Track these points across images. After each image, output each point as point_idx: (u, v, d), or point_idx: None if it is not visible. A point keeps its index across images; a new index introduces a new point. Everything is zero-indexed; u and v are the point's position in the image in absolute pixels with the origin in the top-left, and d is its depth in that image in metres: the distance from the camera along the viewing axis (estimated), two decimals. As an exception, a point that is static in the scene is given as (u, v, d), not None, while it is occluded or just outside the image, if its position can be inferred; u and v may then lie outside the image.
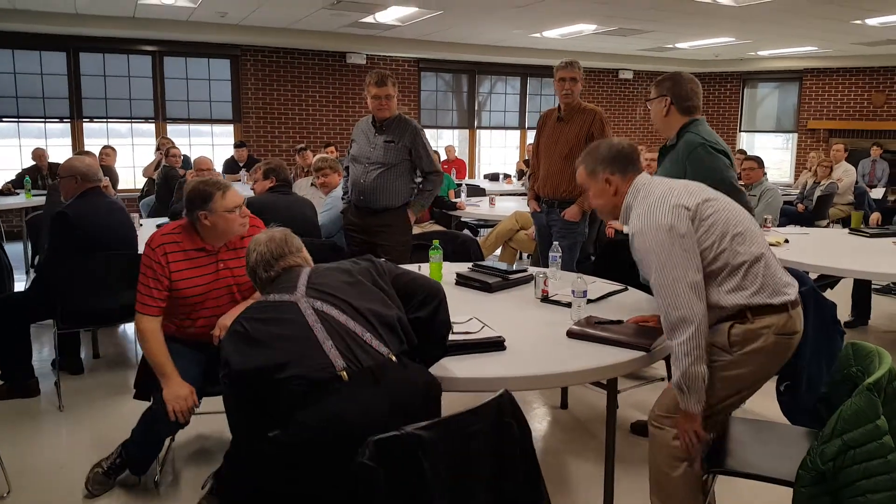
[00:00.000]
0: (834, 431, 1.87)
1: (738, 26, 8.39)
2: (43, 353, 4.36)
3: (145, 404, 2.68)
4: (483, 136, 12.12)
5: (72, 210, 3.54)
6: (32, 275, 5.75)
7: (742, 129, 12.71)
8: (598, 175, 2.29)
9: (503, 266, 3.23)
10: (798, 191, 8.41)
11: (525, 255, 6.41)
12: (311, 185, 5.59)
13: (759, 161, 5.81)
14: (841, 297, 4.39)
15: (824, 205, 7.68)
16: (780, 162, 12.93)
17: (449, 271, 3.23)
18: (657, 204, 2.11)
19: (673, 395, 2.15)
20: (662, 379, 3.86)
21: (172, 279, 2.60)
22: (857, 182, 8.45)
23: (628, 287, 3.10)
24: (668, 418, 2.17)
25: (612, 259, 3.81)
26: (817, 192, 7.79)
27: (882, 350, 2.01)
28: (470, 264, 3.32)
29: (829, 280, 4.87)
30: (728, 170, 2.79)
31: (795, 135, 12.21)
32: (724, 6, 7.01)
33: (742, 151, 10.45)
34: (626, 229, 2.30)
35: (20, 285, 5.67)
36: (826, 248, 4.47)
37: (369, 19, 8.23)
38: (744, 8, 7.11)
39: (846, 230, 5.38)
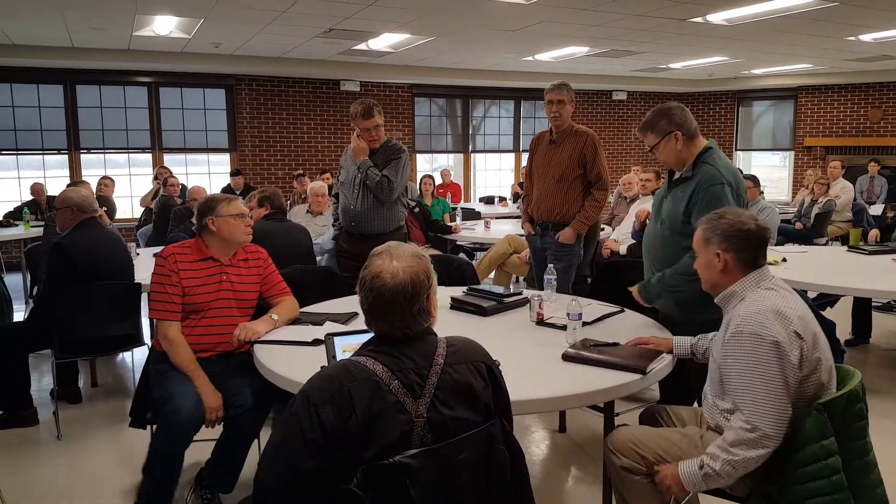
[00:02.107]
0: (783, 450, 1.88)
1: (730, 45, 8.46)
2: (42, 382, 4.35)
3: (141, 432, 2.71)
4: (478, 159, 12.16)
5: (68, 241, 3.58)
6: (31, 305, 5.75)
7: (738, 147, 12.75)
8: (710, 246, 2.09)
9: (498, 289, 3.22)
10: (796, 209, 8.42)
11: (520, 279, 6.39)
12: (307, 212, 5.60)
13: (754, 180, 5.82)
14: (841, 316, 4.36)
15: (822, 222, 7.68)
16: (778, 180, 12.95)
17: (444, 295, 3.20)
18: (775, 317, 1.92)
19: (663, 446, 2.12)
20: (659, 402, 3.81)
21: (183, 285, 2.72)
22: (855, 199, 8.46)
23: (625, 309, 3.08)
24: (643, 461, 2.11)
25: (610, 281, 3.78)
26: (815, 210, 7.80)
27: (856, 371, 1.99)
28: (465, 288, 3.30)
29: (829, 299, 4.85)
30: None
31: (792, 153, 12.24)
32: (716, 26, 7.08)
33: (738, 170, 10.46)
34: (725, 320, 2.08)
35: (19, 315, 5.68)
36: (825, 267, 4.44)
37: (362, 46, 8.29)
38: (736, 27, 7.17)
39: (845, 248, 5.37)
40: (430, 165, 11.78)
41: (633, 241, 5.18)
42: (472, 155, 11.94)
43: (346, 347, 2.29)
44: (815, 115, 11.86)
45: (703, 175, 2.66)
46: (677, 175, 2.80)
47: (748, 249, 2.04)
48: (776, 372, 1.88)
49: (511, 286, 5.25)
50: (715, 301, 2.14)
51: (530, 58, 9.33)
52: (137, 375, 2.97)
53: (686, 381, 2.70)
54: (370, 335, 1.66)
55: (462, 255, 6.46)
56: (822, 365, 1.95)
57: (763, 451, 1.88)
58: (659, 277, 2.77)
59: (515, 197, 9.62)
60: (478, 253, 7.13)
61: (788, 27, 7.18)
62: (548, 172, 4.13)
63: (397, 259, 1.60)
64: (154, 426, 2.79)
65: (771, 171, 13.21)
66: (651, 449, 2.12)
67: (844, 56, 9.31)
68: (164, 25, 7.00)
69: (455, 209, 7.66)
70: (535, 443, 3.55)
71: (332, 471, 1.50)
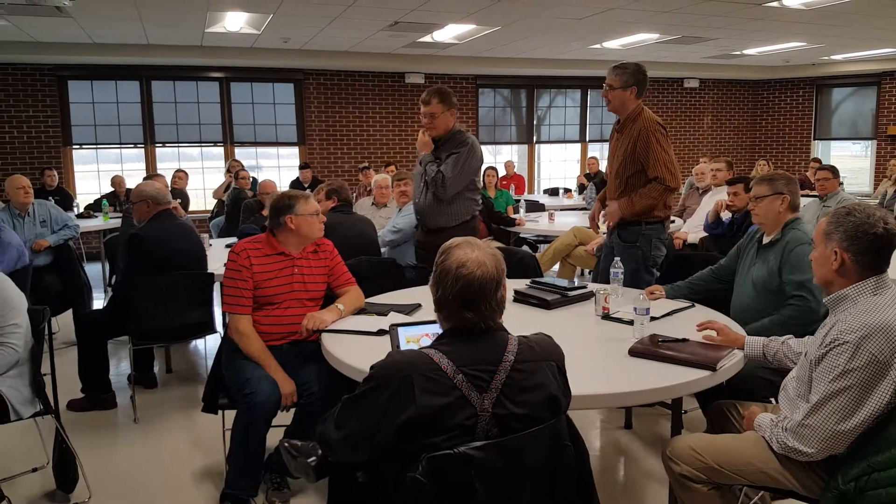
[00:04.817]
0: (861, 452, 1.80)
1: (809, 30, 8.08)
2: (120, 367, 4.55)
3: (214, 418, 2.80)
4: (543, 150, 12.02)
5: (144, 232, 3.72)
6: (110, 293, 6.02)
7: (816, 136, 12.19)
8: (830, 241, 1.95)
9: (562, 282, 3.17)
10: (877, 201, 8.00)
11: (586, 272, 6.29)
12: (372, 204, 5.66)
13: (833, 171, 5.54)
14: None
15: (907, 214, 7.27)
16: (858, 171, 12.33)
17: (507, 288, 3.18)
18: (882, 333, 1.80)
19: (737, 452, 2.04)
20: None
21: (255, 279, 2.78)
22: (943, 190, 7.97)
23: (695, 304, 2.99)
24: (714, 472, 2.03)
25: (680, 274, 3.65)
26: (899, 201, 7.40)
27: None
28: (528, 281, 3.27)
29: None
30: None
31: (874, 142, 11.63)
32: (793, 10, 6.77)
33: (816, 160, 10.02)
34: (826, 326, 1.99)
35: (99, 303, 5.95)
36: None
37: (427, 38, 8.31)
38: (814, 11, 6.84)
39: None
40: (493, 157, 11.72)
41: (705, 234, 5.02)
42: (537, 146, 11.82)
43: (409, 338, 2.31)
44: (901, 102, 11.21)
45: (790, 237, 2.84)
46: (766, 239, 2.94)
47: (870, 253, 1.90)
48: (859, 391, 1.80)
49: (576, 279, 5.18)
50: (824, 301, 2.03)
51: (597, 46, 9.16)
52: (210, 362, 3.07)
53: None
54: (433, 326, 1.67)
55: (525, 248, 6.41)
56: None
57: (805, 449, 1.88)
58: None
59: (581, 188, 9.48)
60: (541, 245, 7.05)
61: (872, 9, 6.81)
62: (610, 166, 3.78)
63: (477, 248, 1.63)
64: (224, 412, 2.88)
65: (851, 162, 12.60)
66: (714, 457, 2.04)
67: (935, 38, 8.78)
68: (235, 21, 7.19)
69: (518, 201, 7.59)
70: (600, 439, 3.50)
71: (393, 455, 1.52)
